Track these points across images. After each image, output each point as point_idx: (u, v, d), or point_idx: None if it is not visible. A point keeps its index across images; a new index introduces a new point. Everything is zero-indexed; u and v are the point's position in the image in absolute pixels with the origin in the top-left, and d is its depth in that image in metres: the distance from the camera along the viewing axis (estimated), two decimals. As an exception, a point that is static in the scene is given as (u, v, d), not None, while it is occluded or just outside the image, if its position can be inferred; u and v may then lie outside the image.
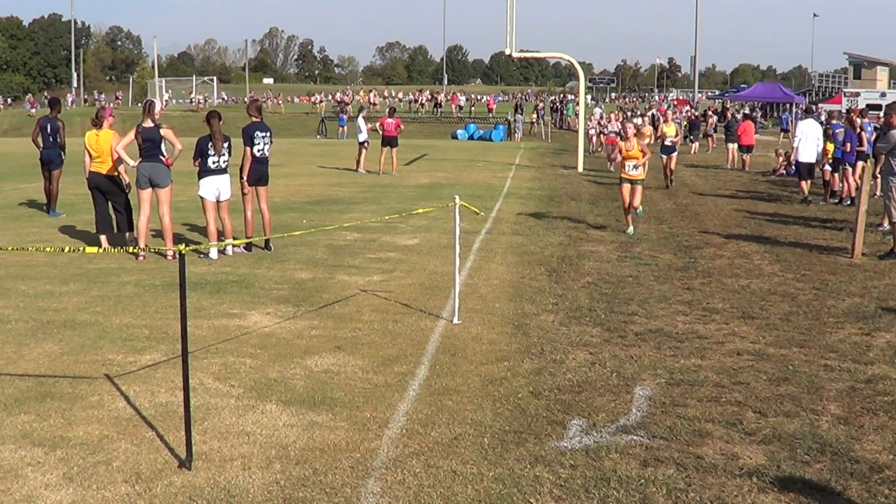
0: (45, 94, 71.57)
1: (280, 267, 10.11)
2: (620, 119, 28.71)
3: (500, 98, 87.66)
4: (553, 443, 4.94)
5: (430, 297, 8.65)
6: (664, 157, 20.42)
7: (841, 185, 17.28)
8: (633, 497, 4.28)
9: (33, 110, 61.57)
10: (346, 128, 23.97)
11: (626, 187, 12.85)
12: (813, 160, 17.50)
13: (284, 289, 8.96)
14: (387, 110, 27.46)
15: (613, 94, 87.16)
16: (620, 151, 12.85)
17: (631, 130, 12.99)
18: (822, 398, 5.66)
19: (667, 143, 20.77)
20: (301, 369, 6.30)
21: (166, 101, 62.75)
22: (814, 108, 29.50)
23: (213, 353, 6.65)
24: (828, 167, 17.67)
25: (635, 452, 4.80)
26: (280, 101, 71.06)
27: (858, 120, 17.42)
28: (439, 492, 4.34)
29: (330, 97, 72.01)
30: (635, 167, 12.71)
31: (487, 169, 25.82)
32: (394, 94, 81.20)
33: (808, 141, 17.55)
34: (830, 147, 17.56)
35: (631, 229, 12.73)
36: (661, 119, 28.61)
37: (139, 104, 64.49)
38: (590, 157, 28.89)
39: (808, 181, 17.53)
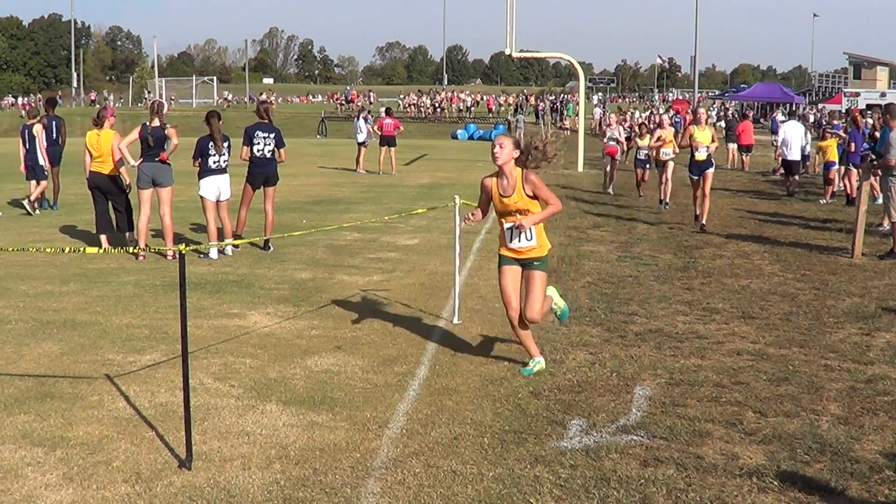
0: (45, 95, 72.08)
1: (280, 267, 10.11)
2: (622, 122, 26.13)
3: (501, 98, 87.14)
4: (553, 443, 4.94)
5: (430, 297, 8.65)
6: (695, 177, 13.58)
7: (841, 184, 17.29)
8: (633, 497, 4.28)
9: (24, 112, 61.28)
10: (372, 127, 23.94)
11: (510, 275, 6.22)
12: (797, 158, 18.98)
13: (284, 289, 8.96)
14: (382, 110, 27.39)
15: (600, 95, 71.59)
16: (490, 197, 6.28)
17: (506, 150, 6.07)
18: (822, 398, 5.66)
19: (699, 155, 13.37)
20: (301, 369, 6.30)
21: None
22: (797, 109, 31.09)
23: (213, 353, 6.65)
24: (835, 167, 17.68)
25: (635, 452, 4.80)
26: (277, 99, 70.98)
27: (870, 120, 17.48)
28: (439, 492, 4.34)
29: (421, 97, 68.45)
30: (522, 236, 6.08)
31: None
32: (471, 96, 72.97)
33: (792, 140, 18.99)
34: (833, 143, 17.66)
35: (535, 363, 6.22)
36: (693, 122, 15.19)
37: (139, 104, 64.82)
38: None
39: (793, 177, 18.86)
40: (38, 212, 15.13)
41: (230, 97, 77.28)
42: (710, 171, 13.51)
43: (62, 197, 15.87)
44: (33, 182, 15.29)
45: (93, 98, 71.89)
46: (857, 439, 4.98)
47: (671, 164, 16.16)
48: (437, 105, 60.73)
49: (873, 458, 4.72)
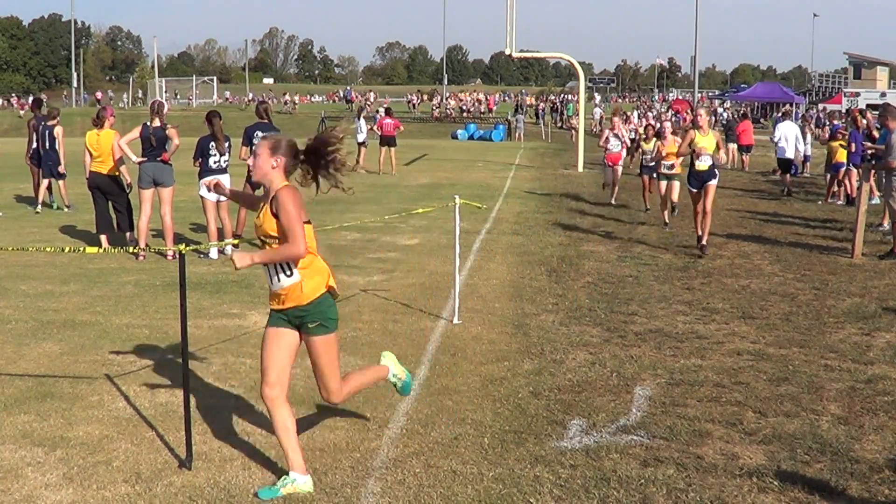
0: (44, 95, 72.20)
1: (280, 267, 10.10)
2: (627, 122, 25.06)
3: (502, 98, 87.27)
4: (553, 443, 4.94)
5: (430, 297, 8.65)
6: (694, 189, 11.26)
7: (840, 184, 17.27)
8: (633, 497, 4.28)
9: (22, 112, 61.15)
10: (373, 127, 24.24)
11: (272, 338, 4.47)
12: (791, 156, 20.18)
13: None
14: (382, 110, 27.38)
15: (598, 97, 63.89)
16: None
17: (260, 159, 4.42)
18: (822, 398, 5.66)
19: (700, 164, 11.15)
20: (301, 369, 6.27)
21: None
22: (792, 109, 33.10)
23: (213, 353, 6.65)
24: (843, 168, 17.62)
25: (635, 452, 4.80)
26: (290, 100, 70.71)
27: (864, 120, 17.38)
28: (439, 492, 4.34)
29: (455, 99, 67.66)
30: (280, 273, 4.41)
31: (487, 169, 25.81)
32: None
33: (786, 139, 20.07)
34: (836, 144, 17.63)
35: (289, 482, 4.34)
36: (692, 125, 12.08)
37: (139, 104, 64.76)
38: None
39: (789, 175, 19.84)
40: (39, 210, 15.19)
41: (250, 97, 76.96)
42: (713, 183, 11.20)
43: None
44: (45, 181, 15.45)
45: (97, 97, 71.87)
46: (857, 439, 4.98)
47: (675, 184, 13.76)
48: (461, 106, 61.25)
49: (873, 458, 4.72)
